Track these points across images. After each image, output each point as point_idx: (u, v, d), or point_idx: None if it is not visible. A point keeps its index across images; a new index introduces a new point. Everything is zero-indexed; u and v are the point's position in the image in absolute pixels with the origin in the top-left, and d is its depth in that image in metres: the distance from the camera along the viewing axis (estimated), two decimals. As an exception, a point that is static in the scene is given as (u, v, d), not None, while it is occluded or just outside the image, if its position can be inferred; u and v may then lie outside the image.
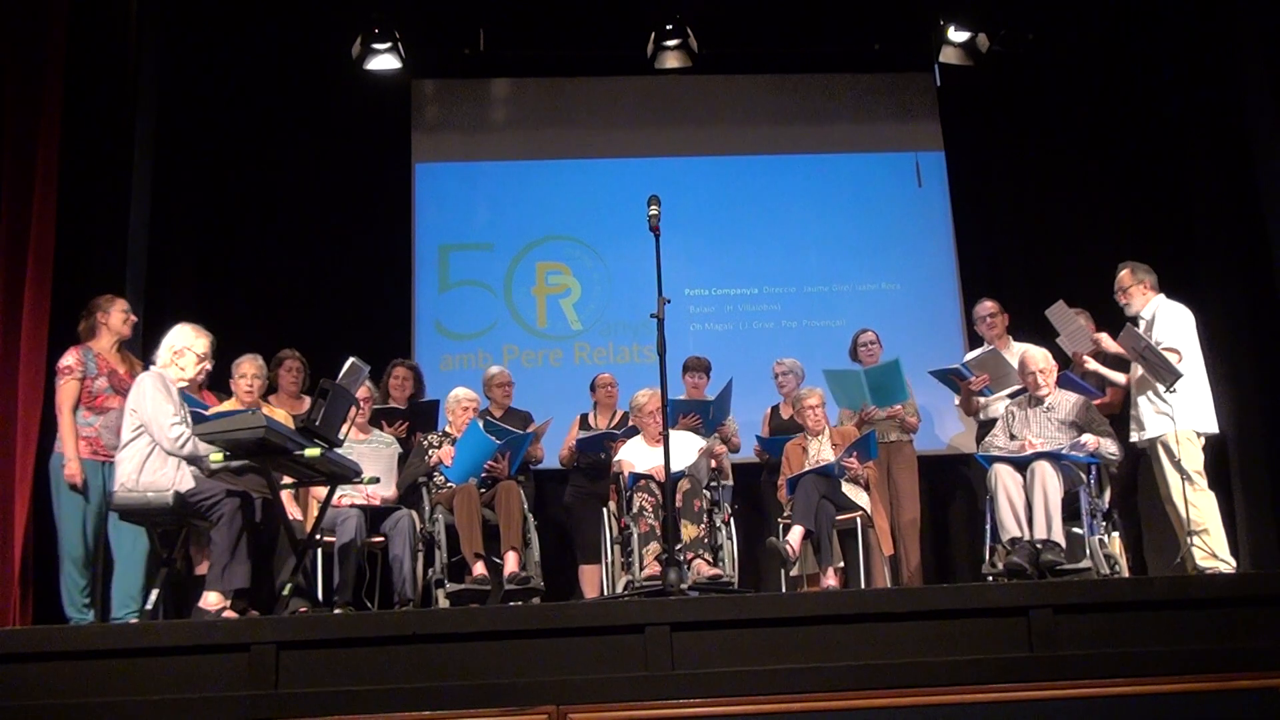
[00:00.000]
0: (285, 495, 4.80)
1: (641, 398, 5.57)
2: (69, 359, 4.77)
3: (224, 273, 7.14)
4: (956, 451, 6.99)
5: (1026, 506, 4.76)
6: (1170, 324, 5.00)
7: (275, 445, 4.06)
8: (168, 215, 6.43)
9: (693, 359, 6.31)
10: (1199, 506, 4.79)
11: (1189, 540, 4.76)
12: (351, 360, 5.10)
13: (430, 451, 5.47)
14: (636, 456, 5.49)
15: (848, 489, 5.45)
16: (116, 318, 4.92)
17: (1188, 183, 6.64)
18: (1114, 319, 5.27)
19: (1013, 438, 5.10)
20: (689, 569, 4.84)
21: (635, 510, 5.12)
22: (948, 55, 7.18)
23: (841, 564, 5.43)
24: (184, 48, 6.74)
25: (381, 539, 5.14)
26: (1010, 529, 4.73)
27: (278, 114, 7.38)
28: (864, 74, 7.83)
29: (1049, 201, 7.45)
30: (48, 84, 5.28)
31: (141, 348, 5.18)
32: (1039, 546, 4.63)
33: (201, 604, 4.09)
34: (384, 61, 7.01)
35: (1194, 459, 4.86)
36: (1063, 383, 5.18)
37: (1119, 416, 5.28)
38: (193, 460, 4.25)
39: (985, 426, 5.59)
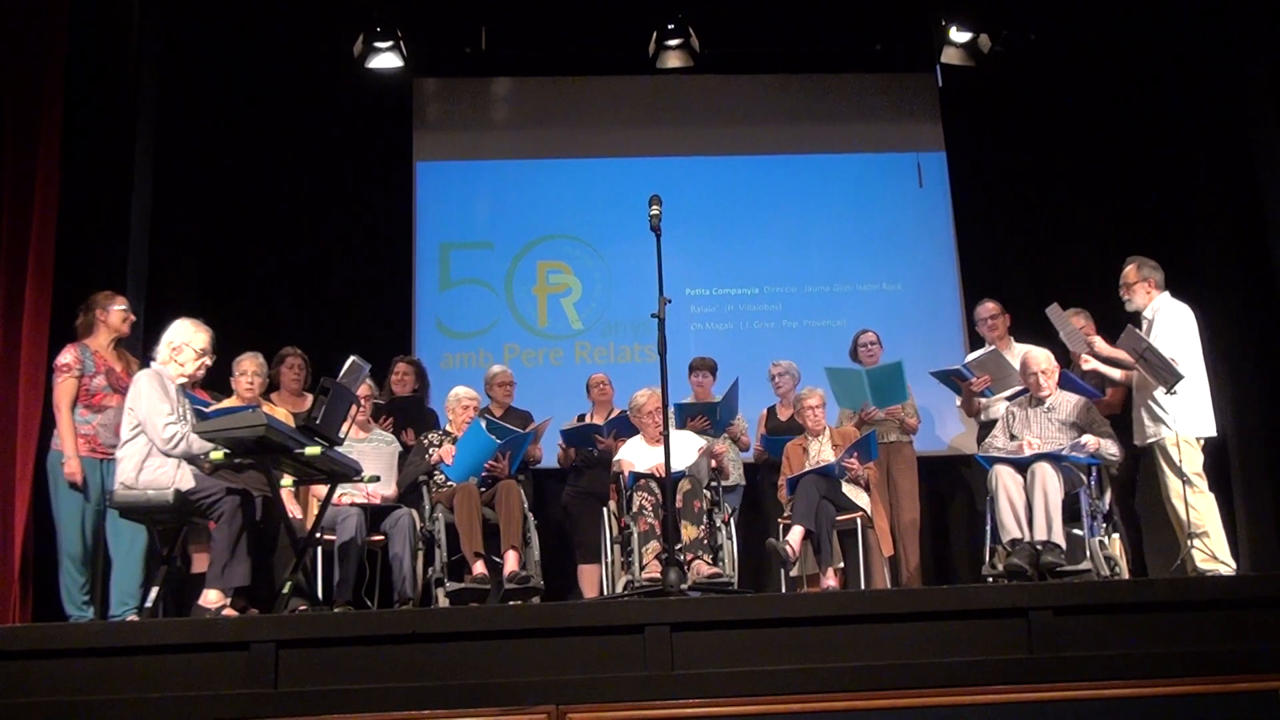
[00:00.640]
0: (285, 493, 4.80)
1: (641, 397, 5.56)
2: (66, 356, 4.75)
3: (225, 270, 7.14)
4: (957, 452, 6.98)
5: (1027, 507, 4.75)
6: (1172, 325, 4.99)
7: (275, 443, 4.06)
8: (169, 213, 6.43)
9: (698, 359, 6.32)
10: (1199, 509, 4.78)
11: (1189, 542, 4.76)
12: (352, 359, 5.08)
13: (430, 450, 5.47)
14: (636, 456, 5.49)
15: (848, 489, 5.45)
16: (115, 316, 4.91)
17: (1188, 183, 6.64)
18: (1114, 318, 5.27)
19: (1013, 438, 5.09)
20: (689, 569, 4.84)
21: (635, 510, 5.11)
22: (949, 56, 7.19)
23: (841, 565, 5.43)
24: (185, 46, 6.73)
25: (381, 538, 5.15)
26: (1010, 530, 4.73)
27: (279, 112, 7.39)
28: (866, 74, 7.83)
29: (1050, 202, 7.46)
30: (48, 83, 5.29)
31: (142, 346, 5.17)
32: (1039, 548, 4.63)
33: (201, 602, 4.08)
34: (385, 60, 7.02)
35: (1193, 461, 4.87)
36: (1063, 383, 5.16)
37: (1119, 417, 5.28)
38: (188, 459, 4.24)
39: (986, 427, 5.58)
